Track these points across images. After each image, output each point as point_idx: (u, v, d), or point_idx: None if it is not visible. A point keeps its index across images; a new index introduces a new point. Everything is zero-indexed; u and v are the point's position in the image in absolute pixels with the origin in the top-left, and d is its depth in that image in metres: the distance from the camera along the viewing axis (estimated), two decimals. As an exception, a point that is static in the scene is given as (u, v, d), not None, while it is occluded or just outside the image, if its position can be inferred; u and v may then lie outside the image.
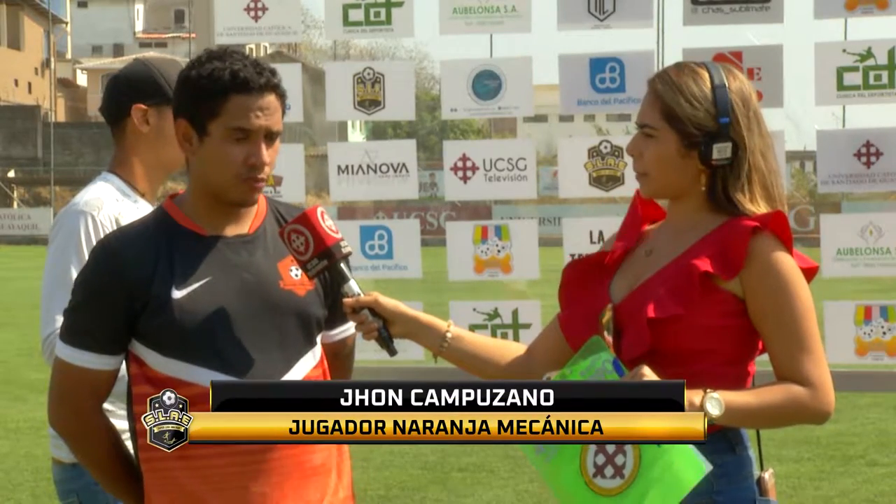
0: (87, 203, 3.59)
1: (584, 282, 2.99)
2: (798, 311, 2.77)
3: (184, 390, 2.64)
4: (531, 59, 4.61)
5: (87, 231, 3.54)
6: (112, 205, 3.61)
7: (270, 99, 2.89)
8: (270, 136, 2.90)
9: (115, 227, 3.52)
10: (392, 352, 2.90)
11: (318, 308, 2.98)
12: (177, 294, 2.86)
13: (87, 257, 3.43)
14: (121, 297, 2.87)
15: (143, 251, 2.89)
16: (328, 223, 2.86)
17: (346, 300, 2.88)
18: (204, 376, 2.82)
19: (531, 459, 2.80)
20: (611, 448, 2.67)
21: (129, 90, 3.73)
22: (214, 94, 2.85)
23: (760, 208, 2.84)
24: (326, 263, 2.85)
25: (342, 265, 2.87)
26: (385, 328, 2.89)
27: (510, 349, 3.07)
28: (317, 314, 2.98)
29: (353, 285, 2.88)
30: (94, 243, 3.44)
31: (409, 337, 2.96)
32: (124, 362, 2.96)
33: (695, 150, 2.83)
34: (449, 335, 2.99)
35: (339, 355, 3.16)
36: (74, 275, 3.45)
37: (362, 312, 2.88)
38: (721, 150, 2.81)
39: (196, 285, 2.87)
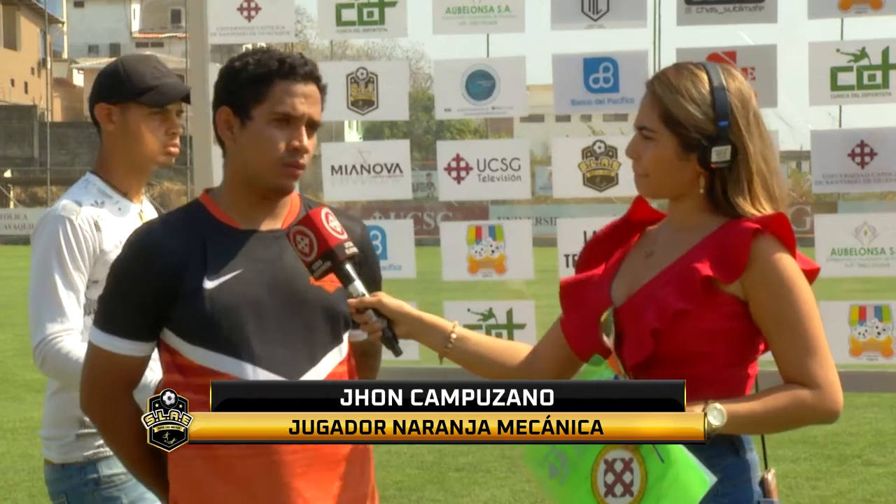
0: (64, 207, 3.63)
1: (584, 285, 2.98)
2: (802, 313, 2.75)
3: (212, 379, 2.68)
4: (524, 58, 4.60)
5: (67, 235, 3.58)
6: (90, 207, 3.65)
7: (313, 88, 2.96)
8: (311, 126, 2.96)
9: (94, 229, 3.59)
10: (397, 352, 2.91)
11: (345, 305, 2.97)
12: (208, 284, 2.90)
13: (68, 262, 3.51)
14: (152, 286, 2.91)
15: (177, 241, 2.93)
16: (332, 224, 2.88)
17: (351, 301, 2.89)
18: (231, 366, 2.87)
19: (545, 483, 2.78)
20: (619, 466, 2.67)
21: (97, 90, 3.78)
22: (260, 80, 2.91)
23: (764, 209, 2.81)
24: (330, 265, 2.86)
25: (347, 266, 2.88)
26: (390, 328, 2.90)
27: (517, 350, 3.06)
28: (344, 311, 2.98)
29: (357, 286, 2.89)
30: (74, 247, 3.54)
31: (414, 337, 2.96)
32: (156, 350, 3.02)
33: (693, 152, 2.80)
34: (454, 336, 2.98)
35: (368, 353, 3.20)
36: (58, 280, 3.52)
37: (367, 313, 2.88)
38: (720, 154, 2.79)
39: (227, 277, 2.91)
